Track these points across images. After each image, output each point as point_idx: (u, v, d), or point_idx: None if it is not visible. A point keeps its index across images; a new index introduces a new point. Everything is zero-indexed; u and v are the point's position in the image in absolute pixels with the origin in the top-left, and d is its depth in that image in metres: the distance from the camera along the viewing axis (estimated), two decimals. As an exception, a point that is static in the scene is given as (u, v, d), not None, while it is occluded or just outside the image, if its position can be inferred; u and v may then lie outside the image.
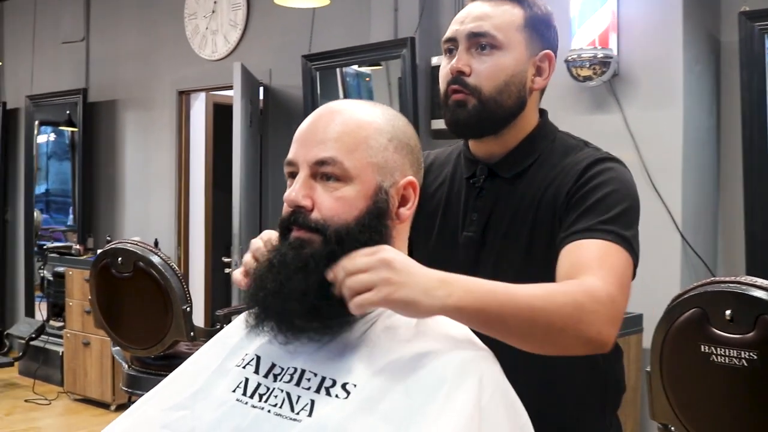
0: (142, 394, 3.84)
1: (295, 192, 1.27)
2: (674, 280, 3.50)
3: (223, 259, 5.73)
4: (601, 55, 3.53)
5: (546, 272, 1.48)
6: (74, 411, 5.68)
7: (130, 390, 3.84)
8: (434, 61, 4.34)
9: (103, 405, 5.65)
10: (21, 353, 6.32)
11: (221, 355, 1.39)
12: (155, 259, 3.66)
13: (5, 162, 7.36)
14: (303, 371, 1.26)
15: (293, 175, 1.30)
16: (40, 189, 7.32)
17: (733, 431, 2.30)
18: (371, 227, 1.26)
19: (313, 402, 1.21)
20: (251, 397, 1.27)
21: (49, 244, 7.01)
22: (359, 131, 1.28)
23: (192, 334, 3.65)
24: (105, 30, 6.60)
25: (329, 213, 1.25)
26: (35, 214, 7.17)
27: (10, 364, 6.35)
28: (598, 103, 3.69)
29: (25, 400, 5.87)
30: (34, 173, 7.13)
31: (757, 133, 3.46)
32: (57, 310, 6.47)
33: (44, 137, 7.30)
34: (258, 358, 1.33)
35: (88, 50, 6.72)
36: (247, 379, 1.30)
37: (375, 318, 1.28)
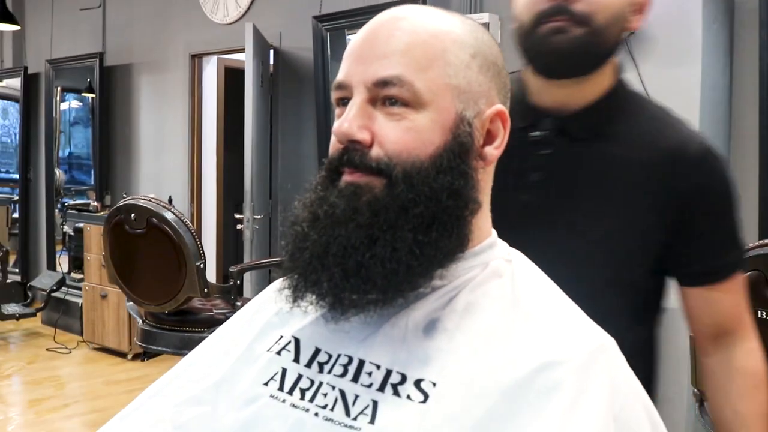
0: (156, 349, 3.41)
1: (348, 122, 0.82)
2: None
3: (234, 215, 5.31)
4: (620, 12, 3.08)
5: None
6: (93, 360, 5.28)
7: (144, 345, 3.43)
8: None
9: (120, 354, 5.27)
10: (43, 304, 5.94)
11: (248, 336, 0.95)
12: (168, 216, 3.23)
13: (27, 124, 6.90)
14: (361, 362, 0.83)
15: (344, 102, 0.85)
16: (64, 152, 6.89)
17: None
18: (452, 169, 0.82)
19: (375, 404, 0.79)
20: (290, 393, 0.85)
21: (70, 202, 6.63)
22: (434, 42, 0.83)
23: (206, 290, 3.24)
24: (121, -4, 6.10)
25: (396, 148, 0.81)
26: (58, 173, 6.75)
27: (33, 315, 5.98)
28: (613, 62, 3.25)
29: (47, 349, 5.50)
30: (54, 134, 6.67)
31: (774, 92, 3.05)
32: (77, 264, 6.17)
33: (66, 104, 6.86)
34: (297, 341, 0.89)
35: (104, 16, 6.21)
36: (284, 370, 0.87)
37: (454, 291, 0.84)
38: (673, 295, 2.99)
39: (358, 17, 4.18)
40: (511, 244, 0.92)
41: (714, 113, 3.16)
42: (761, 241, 1.91)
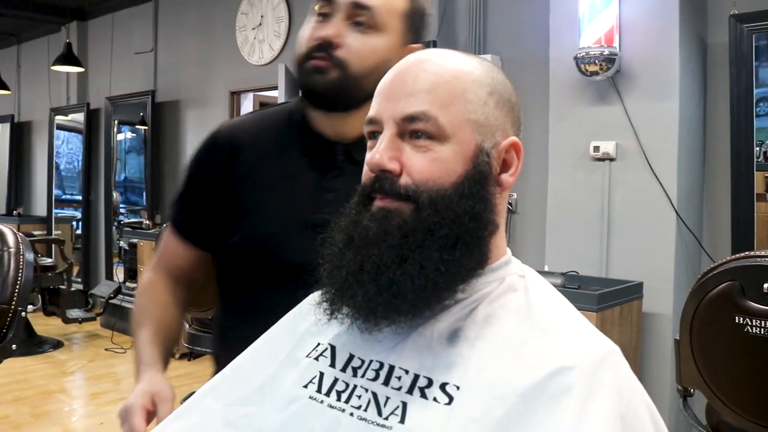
0: (201, 350, 3.38)
1: (379, 153, 0.81)
2: (669, 252, 3.06)
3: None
4: (607, 53, 3.07)
5: None
6: (145, 358, 5.27)
7: (190, 346, 3.42)
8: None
9: (169, 354, 5.26)
10: (102, 310, 5.96)
11: (289, 343, 0.93)
12: (212, 233, 3.24)
13: (89, 152, 6.95)
14: (391, 367, 0.81)
15: (374, 136, 0.85)
16: (120, 176, 6.93)
17: (763, 395, 1.86)
18: (473, 195, 0.80)
19: (405, 405, 0.77)
20: (327, 394, 0.83)
21: (125, 220, 6.66)
22: (455, 82, 0.82)
23: (245, 298, 3.23)
24: (170, 41, 6.13)
25: (422, 176, 0.80)
26: (114, 195, 6.78)
27: (93, 319, 5.99)
28: (601, 96, 3.23)
29: (105, 349, 5.51)
30: (112, 162, 6.72)
31: (744, 122, 3.04)
32: (132, 274, 6.17)
33: (122, 135, 6.90)
34: (333, 348, 0.88)
35: (156, 59, 6.26)
36: (322, 374, 0.85)
37: (475, 303, 0.82)
38: (655, 300, 2.91)
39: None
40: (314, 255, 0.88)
41: (690, 141, 3.14)
42: (737, 255, 1.88)
